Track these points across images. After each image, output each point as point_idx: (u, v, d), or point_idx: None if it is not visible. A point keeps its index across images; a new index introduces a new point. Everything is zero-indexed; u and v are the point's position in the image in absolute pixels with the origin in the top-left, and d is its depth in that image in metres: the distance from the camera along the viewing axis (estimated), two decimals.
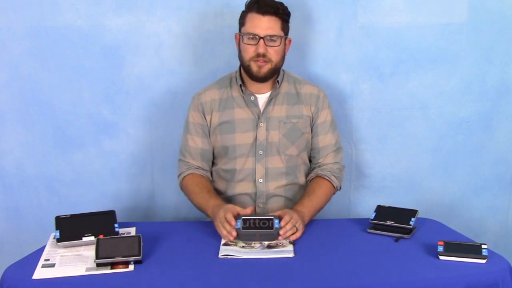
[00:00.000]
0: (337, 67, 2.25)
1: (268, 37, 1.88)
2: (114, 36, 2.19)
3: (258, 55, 1.89)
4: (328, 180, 1.99)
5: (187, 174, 2.02)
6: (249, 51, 1.90)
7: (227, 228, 1.74)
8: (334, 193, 2.03)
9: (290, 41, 1.99)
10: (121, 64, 2.22)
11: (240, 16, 1.95)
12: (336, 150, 2.05)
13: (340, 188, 2.05)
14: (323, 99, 2.04)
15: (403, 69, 2.24)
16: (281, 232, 1.73)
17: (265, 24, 1.87)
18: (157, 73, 2.24)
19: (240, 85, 1.98)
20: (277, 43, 1.90)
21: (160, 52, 2.22)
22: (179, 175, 2.05)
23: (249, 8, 1.91)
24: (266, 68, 1.92)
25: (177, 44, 2.22)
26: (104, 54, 2.21)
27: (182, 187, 2.04)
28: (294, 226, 1.76)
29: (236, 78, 2.02)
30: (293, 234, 1.75)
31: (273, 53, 1.90)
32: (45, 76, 2.23)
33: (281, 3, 1.92)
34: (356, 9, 2.18)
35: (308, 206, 1.89)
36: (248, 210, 1.80)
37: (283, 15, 1.91)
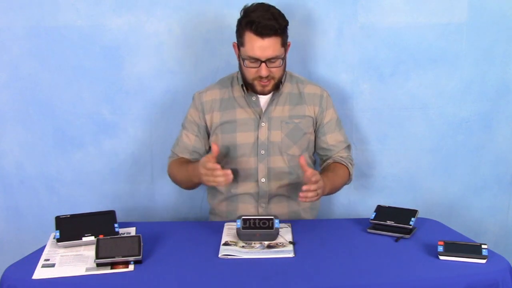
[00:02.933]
0: (337, 67, 2.25)
1: (270, 59, 1.85)
2: (114, 36, 2.20)
3: (261, 77, 1.88)
4: (345, 166, 2.00)
5: (173, 160, 2.04)
6: (252, 72, 1.88)
7: (219, 174, 1.72)
8: (346, 183, 2.04)
9: (289, 45, 1.96)
10: (121, 64, 2.22)
11: (238, 32, 1.88)
12: (347, 147, 2.07)
13: (351, 180, 2.06)
14: (327, 98, 2.04)
15: (403, 69, 2.24)
16: (304, 187, 1.73)
17: (265, 46, 1.82)
18: (157, 73, 2.24)
19: (242, 85, 1.99)
20: (278, 63, 1.87)
21: (160, 52, 2.22)
22: (168, 164, 2.07)
23: (246, 27, 1.83)
24: (270, 86, 1.92)
25: (177, 44, 2.22)
26: (104, 54, 2.21)
27: (170, 174, 2.06)
28: (316, 191, 1.76)
29: (237, 78, 2.02)
30: (311, 196, 1.75)
31: (276, 72, 1.89)
32: (45, 76, 2.23)
33: (278, 16, 1.85)
34: (356, 9, 2.18)
35: (331, 181, 1.90)
36: (215, 148, 1.77)
37: (282, 30, 1.85)
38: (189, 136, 2.03)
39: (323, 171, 1.99)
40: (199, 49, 2.23)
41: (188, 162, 1.99)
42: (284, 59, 1.90)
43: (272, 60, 1.85)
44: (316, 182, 1.75)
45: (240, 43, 1.88)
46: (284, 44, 1.89)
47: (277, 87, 1.96)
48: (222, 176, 1.73)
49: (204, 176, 1.76)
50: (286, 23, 1.88)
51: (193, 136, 2.03)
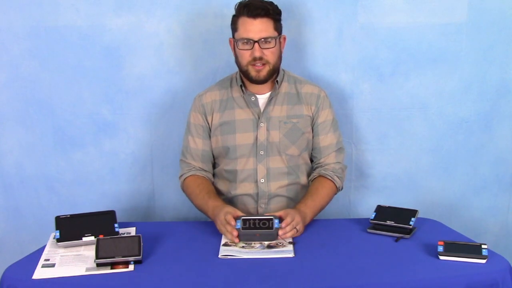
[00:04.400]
0: (337, 67, 2.25)
1: (263, 40, 1.87)
2: (114, 36, 2.19)
3: (254, 59, 1.89)
4: (331, 180, 1.99)
5: (189, 176, 2.02)
6: (245, 56, 1.90)
7: (228, 229, 1.75)
8: (336, 193, 2.03)
9: (285, 38, 1.98)
10: (121, 64, 2.22)
11: (232, 21, 1.94)
12: (338, 150, 2.05)
13: (342, 188, 2.05)
14: (324, 98, 2.04)
15: (403, 69, 2.24)
16: (280, 232, 1.74)
17: (257, 27, 1.86)
18: (157, 73, 2.24)
19: (241, 86, 1.99)
20: (272, 45, 1.89)
21: (160, 52, 2.22)
22: (180, 176, 2.06)
23: (239, 13, 1.89)
24: (264, 71, 1.92)
25: (177, 44, 2.22)
26: (104, 54, 2.21)
27: (184, 188, 2.05)
28: (295, 228, 1.77)
29: (236, 79, 2.02)
30: (291, 235, 1.76)
31: (269, 55, 1.90)
32: (45, 76, 2.23)
33: (271, 3, 1.92)
34: (356, 9, 2.18)
35: (311, 206, 1.89)
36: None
37: (274, 15, 1.90)
38: (196, 141, 2.03)
39: (305, 195, 1.97)
40: (199, 49, 2.23)
41: (209, 191, 1.97)
42: (277, 42, 1.91)
43: (265, 41, 1.87)
44: (289, 223, 1.76)
45: (234, 30, 1.93)
46: (277, 29, 1.91)
47: (272, 75, 1.95)
48: (229, 233, 1.75)
49: (219, 224, 1.79)
50: (279, 11, 1.93)
51: (200, 140, 2.03)
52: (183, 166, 2.06)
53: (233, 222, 1.75)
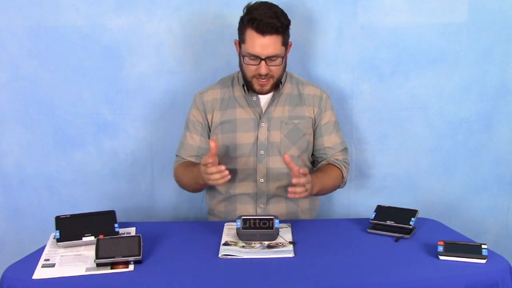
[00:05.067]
0: (337, 67, 2.25)
1: (270, 57, 1.85)
2: (114, 36, 2.20)
3: (260, 75, 1.88)
4: (339, 168, 1.99)
5: (180, 163, 2.03)
6: (251, 70, 1.89)
7: (213, 171, 1.71)
8: (339, 186, 2.03)
9: (290, 44, 1.97)
10: (121, 64, 2.22)
11: (239, 27, 1.89)
12: (343, 150, 2.06)
13: (345, 184, 2.05)
14: (326, 100, 2.04)
15: (403, 69, 2.24)
16: (294, 180, 1.70)
17: (266, 44, 1.82)
18: (157, 73, 2.24)
19: (243, 85, 1.98)
20: (278, 62, 1.87)
21: (160, 52, 2.22)
22: (173, 169, 2.06)
23: (248, 24, 1.83)
24: (268, 85, 1.92)
25: (177, 44, 2.22)
26: (104, 54, 2.21)
27: (176, 178, 2.05)
28: (305, 186, 1.74)
29: (238, 78, 2.02)
30: (300, 192, 1.73)
31: (275, 70, 1.89)
32: (45, 76, 2.23)
33: (281, 14, 1.85)
34: (356, 9, 2.19)
35: (320, 180, 1.88)
36: (212, 145, 1.74)
37: (283, 29, 1.85)
38: (194, 137, 2.03)
39: (316, 171, 1.97)
40: (199, 49, 2.23)
41: (194, 164, 1.98)
42: (284, 58, 1.90)
43: (272, 58, 1.86)
44: (304, 175, 1.73)
45: (241, 40, 1.89)
46: (285, 43, 1.89)
47: (276, 86, 1.96)
48: (217, 173, 1.71)
49: (203, 174, 1.76)
50: (288, 22, 1.89)
51: (198, 136, 2.03)
52: (176, 160, 2.06)
53: (210, 160, 1.70)
